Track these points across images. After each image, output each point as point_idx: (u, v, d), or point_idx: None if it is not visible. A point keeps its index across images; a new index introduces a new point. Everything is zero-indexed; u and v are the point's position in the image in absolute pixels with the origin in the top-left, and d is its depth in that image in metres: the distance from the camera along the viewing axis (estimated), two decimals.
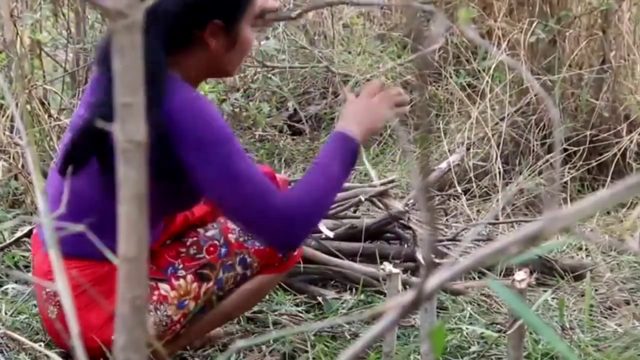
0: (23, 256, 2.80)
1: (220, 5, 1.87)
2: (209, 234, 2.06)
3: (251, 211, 1.81)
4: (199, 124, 1.79)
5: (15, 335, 1.68)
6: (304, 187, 1.87)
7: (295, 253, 2.11)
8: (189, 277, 1.99)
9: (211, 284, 2.01)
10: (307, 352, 2.22)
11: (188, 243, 2.05)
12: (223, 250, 2.03)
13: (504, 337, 2.27)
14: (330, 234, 2.82)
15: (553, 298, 2.81)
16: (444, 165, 3.92)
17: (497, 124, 4.40)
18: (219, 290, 2.02)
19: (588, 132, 4.34)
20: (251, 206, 1.80)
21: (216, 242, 2.04)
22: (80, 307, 1.80)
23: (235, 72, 2.08)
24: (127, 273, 0.66)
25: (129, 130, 0.64)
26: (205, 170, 1.80)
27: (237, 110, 5.00)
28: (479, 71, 4.80)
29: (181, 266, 2.00)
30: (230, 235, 2.04)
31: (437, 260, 2.72)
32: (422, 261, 2.79)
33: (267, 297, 2.63)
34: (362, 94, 1.99)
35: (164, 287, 1.96)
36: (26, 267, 2.76)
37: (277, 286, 2.63)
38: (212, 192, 1.83)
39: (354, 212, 3.29)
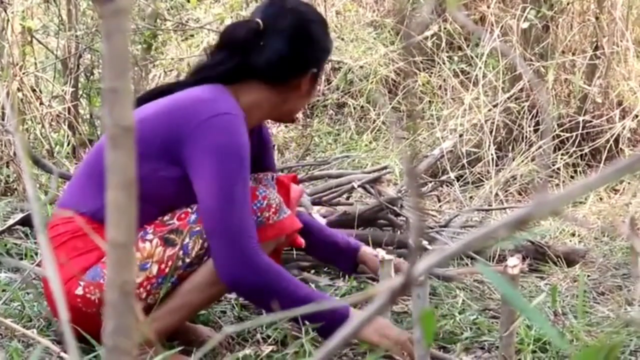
0: (15, 244, 2.80)
1: (321, 56, 2.18)
2: (190, 205, 2.06)
3: (226, 239, 1.93)
4: (222, 136, 1.96)
5: (8, 322, 1.67)
6: (283, 277, 1.97)
7: (272, 222, 2.07)
8: (155, 240, 2.00)
9: (176, 248, 2.00)
10: (300, 338, 2.22)
11: (167, 213, 2.05)
12: (193, 217, 2.02)
13: (497, 323, 2.28)
14: (323, 221, 2.82)
15: (546, 284, 2.82)
16: (436, 152, 3.92)
17: (490, 110, 4.40)
18: (185, 256, 2.00)
19: (581, 119, 4.35)
20: (229, 235, 1.93)
21: (189, 210, 2.04)
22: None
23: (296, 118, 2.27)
24: (116, 258, 0.65)
25: (117, 115, 0.63)
26: (206, 179, 1.95)
27: None
28: (472, 58, 4.80)
29: (151, 230, 2.01)
30: None
31: (427, 245, 2.73)
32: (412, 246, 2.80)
33: None
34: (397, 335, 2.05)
35: None
36: (18, 254, 2.75)
37: None
38: (204, 198, 1.96)
39: (347, 199, 3.29)
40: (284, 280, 1.96)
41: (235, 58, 2.09)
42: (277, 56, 2.08)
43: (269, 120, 2.41)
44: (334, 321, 1.96)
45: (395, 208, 3.00)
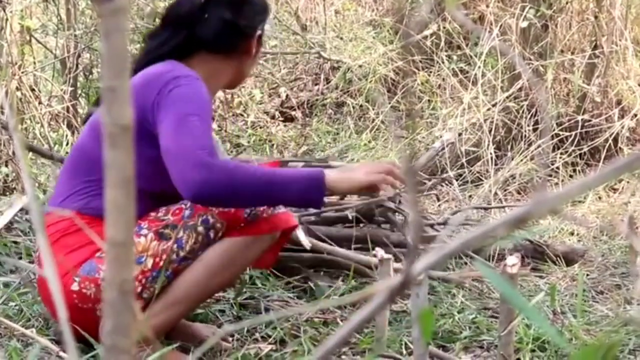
0: (14, 242, 2.79)
1: (262, 17, 2.20)
2: (183, 200, 2.05)
3: (182, 155, 1.88)
4: (183, 89, 1.97)
5: (7, 322, 1.68)
6: (245, 165, 1.95)
7: (266, 216, 2.06)
8: (150, 235, 2.01)
9: (170, 242, 2.00)
10: (299, 337, 2.22)
11: (161, 209, 2.05)
12: (187, 212, 2.03)
13: (496, 322, 2.28)
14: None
15: (545, 283, 2.83)
16: (437, 144, 3.92)
17: (489, 109, 4.40)
18: (179, 249, 2.00)
19: (580, 118, 4.35)
20: (184, 151, 1.88)
21: (183, 205, 2.04)
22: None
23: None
24: (114, 257, 0.65)
25: (115, 114, 0.63)
26: (164, 122, 1.93)
27: (228, 96, 4.99)
28: (471, 57, 4.80)
29: (146, 226, 2.02)
30: None
31: (426, 244, 2.73)
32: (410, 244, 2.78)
33: (259, 284, 2.63)
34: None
35: None
36: (17, 254, 2.75)
37: (269, 273, 2.62)
38: (162, 138, 1.92)
39: (342, 198, 3.28)
40: (248, 168, 1.94)
41: (181, 34, 2.12)
42: (222, 25, 2.12)
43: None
44: (311, 185, 1.95)
45: (393, 206, 3.00)
